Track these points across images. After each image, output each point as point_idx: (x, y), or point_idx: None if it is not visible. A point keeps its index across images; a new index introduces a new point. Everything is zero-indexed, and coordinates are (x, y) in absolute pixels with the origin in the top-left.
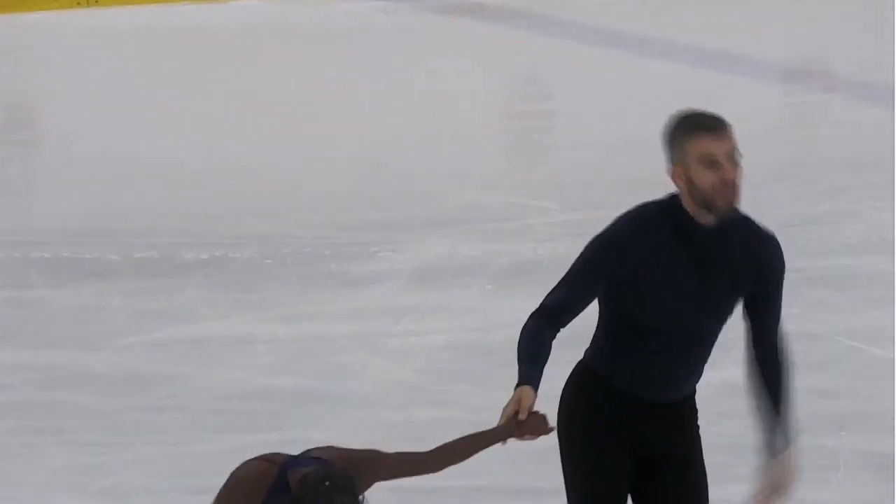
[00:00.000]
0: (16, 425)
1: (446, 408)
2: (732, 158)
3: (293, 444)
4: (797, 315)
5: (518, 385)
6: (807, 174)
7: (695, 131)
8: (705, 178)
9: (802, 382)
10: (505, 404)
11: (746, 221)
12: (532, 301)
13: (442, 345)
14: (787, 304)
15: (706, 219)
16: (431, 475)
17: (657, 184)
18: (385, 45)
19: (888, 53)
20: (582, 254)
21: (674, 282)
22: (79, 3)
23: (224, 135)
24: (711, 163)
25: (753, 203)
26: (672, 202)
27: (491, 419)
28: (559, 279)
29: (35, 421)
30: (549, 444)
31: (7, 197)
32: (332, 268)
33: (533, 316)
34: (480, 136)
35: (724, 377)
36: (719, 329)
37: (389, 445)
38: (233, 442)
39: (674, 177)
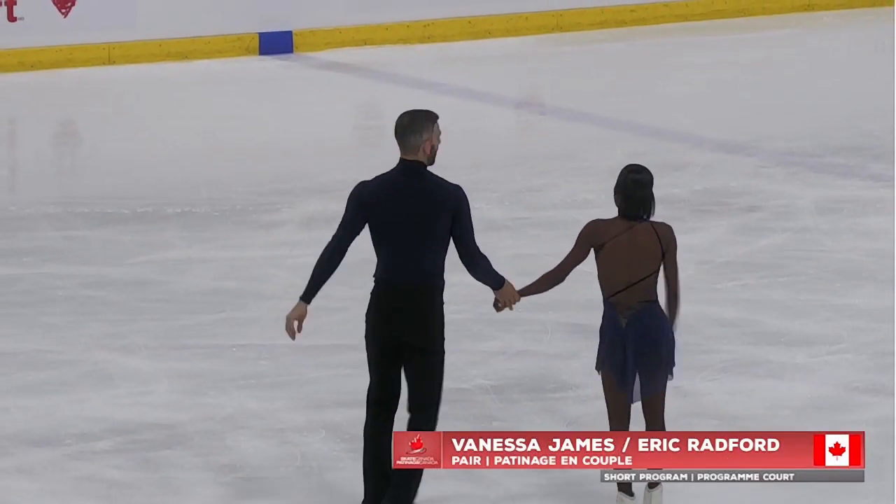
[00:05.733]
0: None
1: (322, 300)
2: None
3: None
4: None
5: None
6: (531, 164)
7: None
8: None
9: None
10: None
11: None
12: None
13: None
14: None
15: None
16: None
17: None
18: (285, 86)
19: (576, 95)
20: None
21: None
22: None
23: (199, 151)
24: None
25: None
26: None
27: (353, 305)
28: None
29: None
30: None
31: None
32: (253, 216)
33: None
34: (338, 138)
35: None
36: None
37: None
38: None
39: (426, 146)
